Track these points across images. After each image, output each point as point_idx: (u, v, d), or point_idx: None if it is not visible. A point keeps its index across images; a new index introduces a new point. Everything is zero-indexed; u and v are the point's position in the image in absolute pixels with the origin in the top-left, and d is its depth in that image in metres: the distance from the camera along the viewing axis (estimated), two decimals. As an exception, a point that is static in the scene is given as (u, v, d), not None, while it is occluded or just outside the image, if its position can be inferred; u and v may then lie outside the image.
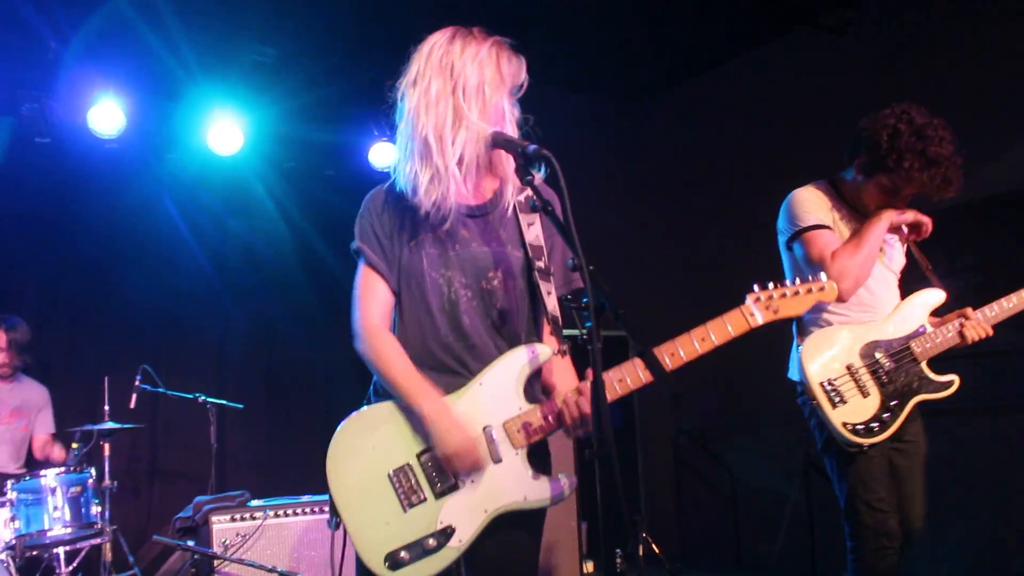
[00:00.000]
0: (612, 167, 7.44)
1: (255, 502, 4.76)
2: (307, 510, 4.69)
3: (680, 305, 6.40)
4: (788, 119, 6.17)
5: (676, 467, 7.00)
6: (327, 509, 4.69)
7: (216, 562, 4.45)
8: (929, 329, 3.16)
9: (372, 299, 2.22)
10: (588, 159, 7.00)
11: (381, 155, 6.36)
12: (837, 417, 3.00)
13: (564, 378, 2.25)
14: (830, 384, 3.03)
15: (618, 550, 6.12)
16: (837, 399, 3.01)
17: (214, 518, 4.54)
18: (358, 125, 6.33)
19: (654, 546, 5.64)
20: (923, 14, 5.48)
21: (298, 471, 6.36)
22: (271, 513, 4.61)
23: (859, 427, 3.00)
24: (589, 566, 5.54)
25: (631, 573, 5.91)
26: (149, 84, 5.67)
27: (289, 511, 4.65)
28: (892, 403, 3.05)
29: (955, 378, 3.11)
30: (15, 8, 4.92)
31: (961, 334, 3.12)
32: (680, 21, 6.04)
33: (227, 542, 4.50)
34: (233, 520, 4.56)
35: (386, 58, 5.80)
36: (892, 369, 3.08)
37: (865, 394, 3.04)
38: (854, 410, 3.01)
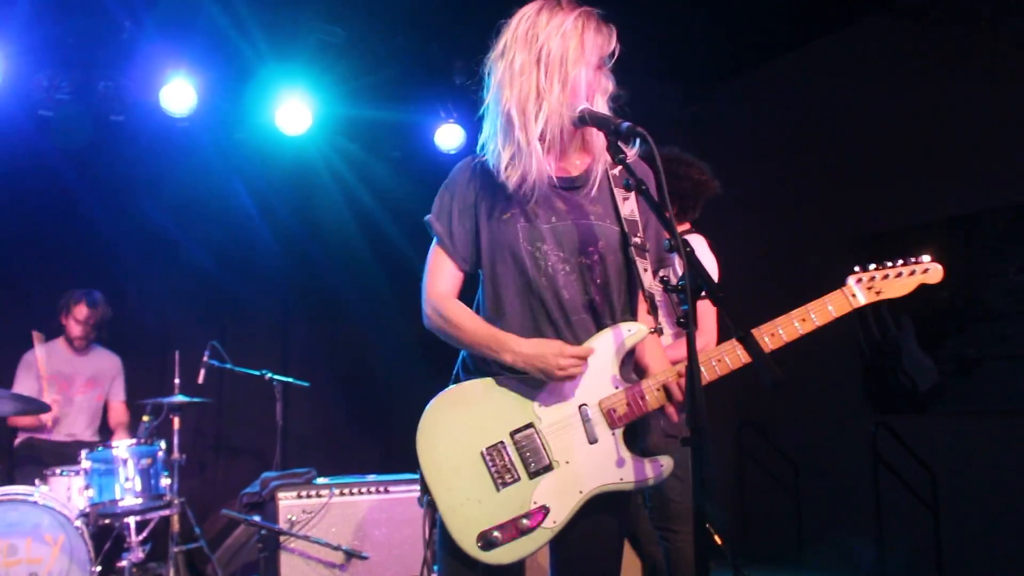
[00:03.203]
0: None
1: (321, 480, 4.79)
2: (372, 489, 4.70)
3: (747, 294, 6.27)
4: (859, 106, 5.99)
5: (739, 459, 6.89)
6: (391, 490, 4.72)
7: (282, 538, 4.49)
8: None
9: (439, 275, 2.21)
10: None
11: (447, 137, 6.33)
12: None
13: (657, 358, 2.18)
14: None
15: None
16: None
17: (281, 495, 4.58)
18: (425, 106, 6.31)
19: (716, 537, 5.54)
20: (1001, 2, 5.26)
21: (362, 450, 6.42)
22: (337, 492, 4.64)
23: None
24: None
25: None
26: (219, 64, 5.71)
27: (355, 490, 4.68)
28: None
29: None
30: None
31: None
32: (751, 5, 5.88)
33: (293, 518, 4.54)
34: (299, 497, 4.59)
35: (454, 38, 5.79)
36: None
37: None
38: None
